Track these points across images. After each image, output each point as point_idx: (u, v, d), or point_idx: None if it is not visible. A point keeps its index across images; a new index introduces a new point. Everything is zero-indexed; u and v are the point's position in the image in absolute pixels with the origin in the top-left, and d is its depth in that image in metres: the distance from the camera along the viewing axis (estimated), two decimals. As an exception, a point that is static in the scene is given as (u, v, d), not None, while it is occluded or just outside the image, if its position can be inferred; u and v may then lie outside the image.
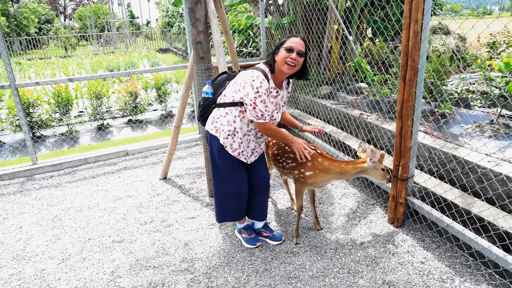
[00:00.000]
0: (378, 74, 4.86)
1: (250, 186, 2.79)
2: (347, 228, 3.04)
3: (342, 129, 4.55)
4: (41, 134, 6.35)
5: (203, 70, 3.29)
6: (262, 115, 2.38)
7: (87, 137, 6.35)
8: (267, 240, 2.91)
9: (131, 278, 2.60)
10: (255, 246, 2.86)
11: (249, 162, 2.69)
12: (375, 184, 3.41)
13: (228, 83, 2.60)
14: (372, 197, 3.50)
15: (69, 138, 6.17)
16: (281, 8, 6.73)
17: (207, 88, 2.64)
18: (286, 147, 2.84)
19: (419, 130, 3.65)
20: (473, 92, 4.59)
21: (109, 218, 3.42)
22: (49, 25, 30.46)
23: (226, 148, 2.58)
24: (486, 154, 3.01)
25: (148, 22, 44.18)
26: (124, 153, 5.13)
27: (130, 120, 6.89)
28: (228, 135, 2.55)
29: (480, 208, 2.50)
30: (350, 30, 6.00)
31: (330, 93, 5.61)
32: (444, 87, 4.14)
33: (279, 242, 2.87)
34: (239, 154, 2.60)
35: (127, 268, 2.70)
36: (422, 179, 3.02)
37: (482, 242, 2.31)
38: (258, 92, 2.31)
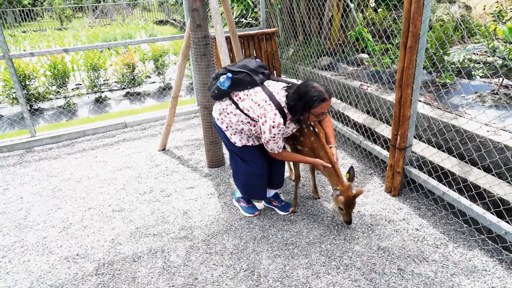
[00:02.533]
0: (379, 44, 4.76)
1: (268, 156, 2.78)
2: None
3: (342, 100, 4.51)
4: (39, 107, 6.31)
5: (200, 38, 3.22)
6: (272, 149, 2.48)
7: (85, 109, 6.31)
8: (276, 209, 2.94)
9: (131, 245, 2.65)
10: (253, 215, 2.90)
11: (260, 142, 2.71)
12: (373, 154, 3.42)
13: (250, 88, 2.51)
14: (370, 167, 3.51)
15: (67, 111, 6.13)
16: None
17: (225, 80, 2.48)
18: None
19: (419, 100, 3.62)
20: (475, 61, 4.51)
21: (109, 188, 3.45)
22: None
23: (235, 144, 2.62)
24: (485, 124, 2.99)
25: (144, -7, 42.82)
26: (123, 125, 5.12)
27: (128, 93, 6.82)
28: (235, 132, 2.61)
29: (476, 176, 2.52)
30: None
31: (330, 64, 5.52)
32: (446, 56, 4.07)
33: (287, 213, 2.90)
34: (248, 142, 2.64)
35: (127, 236, 2.75)
36: (420, 148, 3.02)
37: (476, 209, 2.33)
38: (274, 137, 2.36)
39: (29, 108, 6.12)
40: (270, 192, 2.96)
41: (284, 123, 2.36)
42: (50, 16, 25.35)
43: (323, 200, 3.05)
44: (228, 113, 2.57)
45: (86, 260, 2.53)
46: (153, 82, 7.56)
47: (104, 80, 7.17)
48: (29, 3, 26.75)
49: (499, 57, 4.17)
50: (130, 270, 2.41)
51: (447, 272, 2.21)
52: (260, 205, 3.03)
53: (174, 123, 5.14)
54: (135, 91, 6.86)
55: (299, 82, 2.48)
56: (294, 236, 2.63)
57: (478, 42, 6.22)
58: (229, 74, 2.47)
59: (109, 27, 15.74)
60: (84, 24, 19.60)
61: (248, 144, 2.63)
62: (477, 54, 4.85)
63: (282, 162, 2.87)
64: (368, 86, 4.39)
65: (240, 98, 2.53)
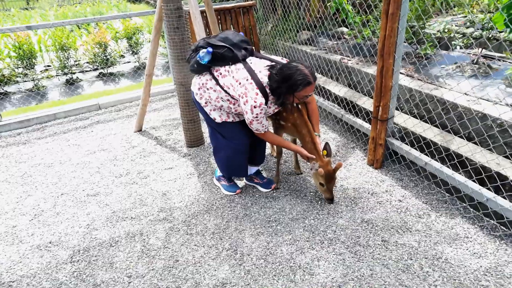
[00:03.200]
0: (360, 16, 4.65)
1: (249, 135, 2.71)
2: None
3: (322, 74, 4.42)
4: (5, 91, 5.95)
5: (173, 10, 3.03)
6: (257, 129, 2.40)
7: (55, 92, 6.00)
8: (258, 186, 2.86)
9: (108, 230, 2.53)
10: (234, 193, 2.82)
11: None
12: (355, 128, 3.37)
13: (231, 64, 2.38)
14: (352, 141, 3.47)
15: (35, 94, 5.80)
16: None
17: (205, 54, 2.32)
18: None
19: (400, 72, 3.56)
20: (455, 32, 4.47)
21: (83, 172, 3.29)
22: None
23: (215, 120, 2.51)
24: (465, 94, 2.97)
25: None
26: (96, 107, 4.89)
27: (101, 73, 6.51)
28: (215, 109, 2.50)
29: (458, 144, 2.50)
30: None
31: (310, 38, 5.39)
32: (424, 30, 4.00)
33: (269, 190, 2.82)
34: (228, 118, 2.53)
35: (104, 221, 2.63)
36: (402, 119, 2.98)
37: (458, 178, 2.32)
38: (257, 117, 2.28)
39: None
40: (252, 169, 2.88)
41: (266, 103, 2.27)
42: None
43: (306, 175, 3.00)
44: (207, 89, 2.44)
45: (59, 247, 2.40)
46: (128, 62, 7.24)
47: (75, 61, 6.82)
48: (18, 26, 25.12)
49: (478, 28, 4.14)
50: (107, 256, 2.30)
51: (430, 241, 2.20)
52: (241, 183, 2.95)
53: (150, 103, 4.95)
54: (108, 71, 6.55)
55: (283, 60, 2.37)
56: (277, 213, 2.57)
57: (458, 14, 6.19)
58: (210, 49, 2.32)
59: (79, 6, 14.96)
60: (52, 3, 18.57)
61: (228, 120, 2.52)
62: (457, 26, 4.81)
63: (262, 140, 2.77)
64: (349, 60, 4.30)
65: (220, 74, 2.40)
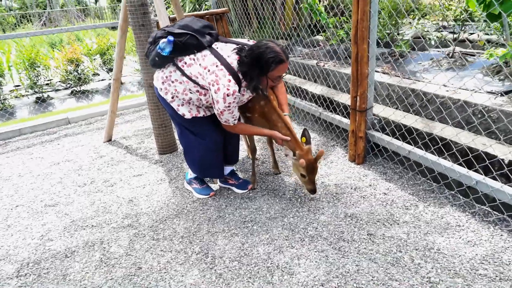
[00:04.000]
0: (333, 17, 4.62)
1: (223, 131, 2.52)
2: (306, 170, 2.83)
3: (299, 77, 4.31)
4: (-31, 111, 5.64)
5: (137, 7, 2.88)
6: (226, 121, 2.20)
7: (24, 111, 5.72)
8: (233, 188, 2.64)
9: (64, 240, 2.26)
10: (208, 196, 2.59)
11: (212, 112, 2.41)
12: (334, 124, 3.22)
13: (197, 53, 2.17)
14: (332, 139, 3.32)
15: (3, 112, 5.51)
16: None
17: (165, 45, 2.10)
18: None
19: (376, 71, 3.48)
20: (429, 35, 4.48)
21: (43, 183, 3.01)
22: (-16, 5, 27.65)
23: (184, 116, 2.31)
24: (443, 85, 2.88)
25: (96, 1, 41.43)
26: (66, 121, 4.64)
27: (73, 91, 6.28)
28: (183, 103, 2.30)
29: (441, 128, 2.36)
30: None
31: (286, 46, 5.34)
32: (397, 31, 3.98)
33: (245, 191, 2.61)
34: (199, 113, 2.33)
35: (60, 231, 2.35)
36: (380, 108, 2.86)
37: (444, 163, 2.17)
38: (229, 107, 2.09)
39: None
40: (226, 169, 2.67)
41: (239, 90, 2.09)
42: (-8, 26, 23.65)
43: (284, 175, 2.80)
44: (172, 81, 2.23)
45: (5, 261, 2.10)
46: (102, 80, 7.04)
47: (46, 80, 6.58)
48: None
49: (450, 32, 4.16)
50: (60, 267, 2.02)
51: (419, 232, 2.01)
52: (215, 186, 2.73)
53: (123, 115, 4.74)
54: (81, 89, 6.33)
55: (251, 42, 2.21)
56: (253, 213, 2.35)
57: (427, 19, 6.28)
58: (170, 38, 2.11)
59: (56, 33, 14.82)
60: (37, 26, 18.42)
61: (199, 115, 2.33)
62: (429, 25, 4.83)
63: (237, 135, 2.59)
64: (325, 63, 4.22)
65: (185, 63, 2.18)
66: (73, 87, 6.36)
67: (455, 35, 3.99)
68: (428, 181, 2.43)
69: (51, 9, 23.36)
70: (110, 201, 2.66)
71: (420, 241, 1.94)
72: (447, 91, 2.74)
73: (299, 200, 2.45)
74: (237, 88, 2.06)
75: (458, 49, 3.85)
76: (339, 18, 4.44)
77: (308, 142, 2.31)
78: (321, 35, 5.36)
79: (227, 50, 2.15)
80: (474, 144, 2.11)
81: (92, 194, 2.78)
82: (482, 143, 2.11)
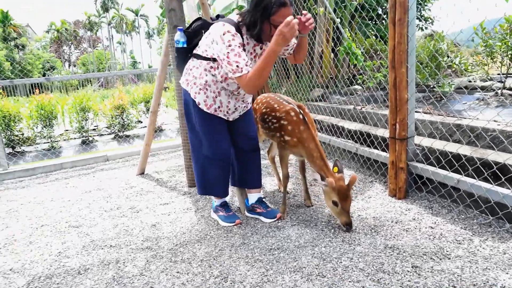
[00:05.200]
0: (369, 61, 4.62)
1: (237, 148, 2.46)
2: (341, 204, 2.60)
3: (336, 117, 4.22)
4: (23, 150, 6.03)
5: (178, 40, 3.04)
6: (237, 66, 1.96)
7: (70, 151, 6.03)
8: (261, 217, 2.46)
9: (80, 257, 2.15)
10: (233, 224, 2.42)
11: (230, 119, 2.35)
12: (372, 159, 3.01)
13: (204, 32, 2.25)
14: (370, 175, 3.08)
15: (51, 153, 5.83)
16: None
17: (179, 36, 2.25)
18: (275, 105, 2.49)
19: (416, 111, 3.32)
20: (471, 82, 4.30)
21: (72, 207, 3.01)
22: (53, 71, 31.33)
23: (200, 106, 2.26)
24: (494, 120, 2.65)
25: (149, 67, 45.59)
26: (104, 159, 4.78)
27: (117, 135, 6.59)
28: (200, 89, 2.24)
29: (496, 154, 2.10)
30: (342, 31, 5.88)
31: (323, 95, 5.35)
32: (440, 88, 3.84)
33: (273, 220, 2.42)
34: (215, 110, 2.27)
35: (79, 249, 2.25)
36: (421, 138, 2.65)
37: (502, 190, 1.89)
38: (230, 46, 1.97)
39: (11, 151, 5.85)
40: (252, 197, 2.52)
41: (242, 36, 2.04)
42: (57, 87, 26.44)
43: (317, 207, 2.59)
44: (190, 69, 2.26)
45: (19, 275, 2.01)
46: (144, 127, 7.37)
47: (94, 125, 7.00)
48: (39, 77, 28.14)
49: (498, 81, 3.97)
50: (71, 283, 1.89)
51: (477, 267, 1.69)
52: (242, 216, 2.56)
53: (158, 155, 4.82)
54: (124, 134, 6.63)
55: None
56: (280, 241, 2.13)
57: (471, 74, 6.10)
58: (180, 27, 2.27)
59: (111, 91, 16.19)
60: (87, 90, 20.31)
61: (213, 106, 2.24)
62: (471, 82, 4.66)
63: (255, 155, 2.49)
64: (362, 107, 4.13)
65: (198, 46, 2.23)
66: (116, 132, 6.68)
67: (503, 83, 3.78)
68: (484, 214, 2.12)
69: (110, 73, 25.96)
70: (133, 225, 2.56)
71: (478, 276, 1.62)
72: (498, 124, 2.50)
73: (332, 230, 2.21)
74: (233, 29, 2.00)
75: (506, 92, 3.62)
76: (376, 61, 4.43)
77: (340, 171, 2.16)
78: (359, 84, 5.35)
79: (231, 16, 2.17)
80: (537, 166, 1.83)
81: (116, 218, 2.71)
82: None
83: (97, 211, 2.88)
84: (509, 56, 3.17)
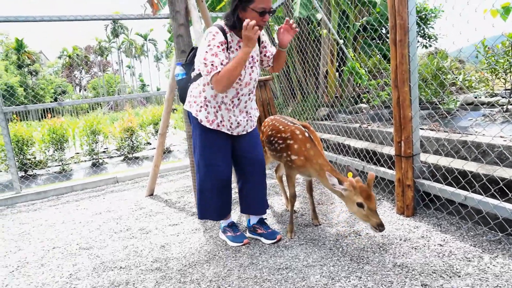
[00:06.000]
0: (372, 79, 4.68)
1: (241, 171, 2.45)
2: (349, 222, 2.61)
3: (342, 135, 4.25)
4: (35, 173, 6.15)
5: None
6: (212, 64, 2.01)
7: (80, 173, 6.13)
8: (261, 238, 2.46)
9: (91, 279, 2.17)
10: (241, 244, 2.43)
11: (235, 133, 2.35)
12: (379, 177, 3.02)
13: None
14: (378, 193, 3.08)
15: (62, 175, 5.93)
16: (275, 41, 6.85)
17: (179, 70, 2.45)
18: (280, 126, 2.54)
19: (421, 128, 3.35)
20: (477, 98, 4.32)
21: (82, 229, 3.05)
22: (65, 95, 32.10)
23: (202, 123, 2.29)
24: (500, 136, 2.66)
25: (158, 89, 46.42)
26: (114, 180, 4.85)
27: (126, 157, 6.69)
28: (201, 107, 2.27)
29: (502, 170, 2.11)
30: (346, 52, 5.99)
31: (329, 114, 5.41)
32: (445, 105, 3.88)
33: (273, 241, 2.41)
34: (218, 125, 2.28)
35: (90, 271, 2.28)
36: (427, 155, 2.66)
37: (510, 206, 1.88)
38: (209, 45, 2.05)
39: (23, 174, 5.97)
40: (254, 218, 2.55)
41: (226, 35, 2.10)
42: (68, 111, 27.03)
43: (325, 226, 2.59)
44: (191, 91, 2.35)
45: (31, 296, 2.04)
46: (153, 148, 7.47)
47: (104, 148, 7.13)
48: (51, 102, 28.82)
49: (502, 97, 3.99)
50: (82, 305, 1.91)
51: (487, 285, 1.68)
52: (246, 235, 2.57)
53: (167, 176, 4.87)
54: (133, 156, 6.73)
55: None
56: (289, 261, 2.13)
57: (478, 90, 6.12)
58: (179, 62, 2.46)
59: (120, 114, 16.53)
60: (97, 114, 20.72)
61: (216, 120, 2.25)
62: (476, 98, 4.68)
63: (260, 180, 2.46)
64: (368, 125, 4.17)
65: (193, 69, 2.35)
66: (126, 154, 6.79)
67: (508, 99, 3.80)
68: (493, 230, 2.10)
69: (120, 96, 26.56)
70: (142, 246, 2.59)
71: (489, 294, 1.61)
72: (505, 140, 2.51)
73: (340, 249, 2.21)
74: (214, 29, 2.08)
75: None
76: (380, 80, 4.49)
77: (355, 176, 2.13)
78: (364, 103, 5.40)
79: None
80: (543, 181, 1.84)
81: (126, 239, 2.74)
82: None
83: (107, 232, 2.92)
84: (512, 72, 3.22)
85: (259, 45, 2.34)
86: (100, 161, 6.52)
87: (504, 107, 3.33)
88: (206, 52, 2.04)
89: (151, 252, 2.48)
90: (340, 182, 2.07)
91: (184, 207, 3.39)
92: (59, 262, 2.45)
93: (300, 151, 2.35)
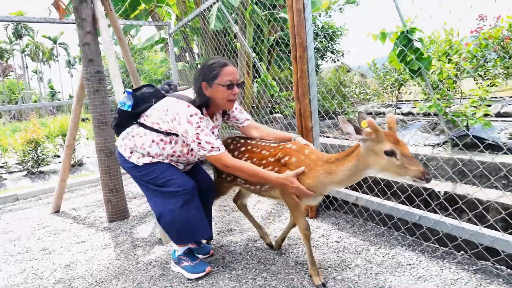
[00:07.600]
0: (284, 91, 5.00)
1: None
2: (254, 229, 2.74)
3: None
4: None
5: (93, 73, 3.03)
6: (212, 146, 1.89)
7: (-29, 192, 5.39)
8: (183, 272, 2.13)
9: (-21, 309, 1.96)
10: (204, 273, 2.08)
11: (180, 168, 2.17)
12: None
13: (155, 101, 2.08)
14: (287, 198, 3.30)
15: None
16: (193, 50, 6.90)
17: (125, 99, 2.07)
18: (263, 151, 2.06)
19: (329, 136, 3.69)
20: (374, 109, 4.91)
21: (-30, 255, 2.71)
22: (-47, 102, 27.87)
23: (138, 165, 2.06)
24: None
25: (70, 97, 42.84)
26: (13, 198, 4.38)
27: (30, 172, 6.08)
28: (144, 155, 2.06)
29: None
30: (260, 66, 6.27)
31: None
32: (346, 115, 4.33)
33: (200, 274, 2.08)
34: (152, 160, 2.07)
35: (-23, 300, 2.06)
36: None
37: (388, 204, 2.19)
38: (199, 127, 1.88)
39: None
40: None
41: (202, 112, 1.96)
42: (-42, 121, 23.45)
43: (237, 232, 2.69)
44: (133, 136, 2.08)
45: None
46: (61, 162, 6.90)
47: (2, 163, 6.39)
48: None
49: (397, 108, 4.60)
50: None
51: (371, 273, 1.93)
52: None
53: (77, 191, 4.56)
54: (39, 170, 6.14)
55: None
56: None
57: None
58: (129, 90, 2.08)
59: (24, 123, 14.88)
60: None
61: (153, 160, 2.06)
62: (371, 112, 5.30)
63: (208, 198, 2.27)
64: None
65: (146, 116, 2.08)
66: (29, 168, 6.16)
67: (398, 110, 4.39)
68: (377, 225, 2.42)
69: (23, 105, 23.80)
70: (43, 267, 2.40)
71: (371, 281, 1.85)
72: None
73: (249, 253, 2.32)
74: (197, 110, 1.91)
75: (399, 117, 4.20)
76: (292, 92, 4.82)
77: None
78: (277, 113, 5.72)
79: (187, 92, 2.07)
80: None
81: (24, 262, 2.51)
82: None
83: (1, 256, 2.64)
84: (397, 87, 3.74)
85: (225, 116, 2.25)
86: (-3, 177, 5.82)
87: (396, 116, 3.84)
88: (198, 133, 1.88)
89: (53, 273, 2.31)
90: (358, 131, 1.58)
91: (95, 223, 3.22)
92: None
93: (300, 162, 1.85)
